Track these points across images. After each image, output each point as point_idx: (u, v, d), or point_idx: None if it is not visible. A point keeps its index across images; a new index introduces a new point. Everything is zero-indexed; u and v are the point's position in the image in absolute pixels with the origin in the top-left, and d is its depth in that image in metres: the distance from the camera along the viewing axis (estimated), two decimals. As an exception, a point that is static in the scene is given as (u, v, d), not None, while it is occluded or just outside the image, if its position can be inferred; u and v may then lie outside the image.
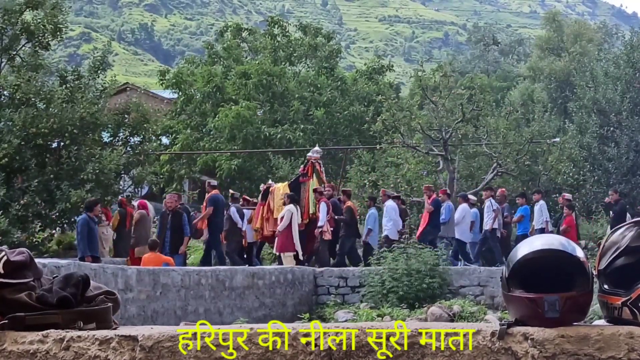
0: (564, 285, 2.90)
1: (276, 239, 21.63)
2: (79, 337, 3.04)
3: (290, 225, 21.18)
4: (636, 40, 33.70)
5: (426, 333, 2.91)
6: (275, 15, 47.97)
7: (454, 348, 2.88)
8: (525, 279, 2.94)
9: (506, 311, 17.22)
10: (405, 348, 2.91)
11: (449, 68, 42.88)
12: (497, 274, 20.03)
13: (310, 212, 22.55)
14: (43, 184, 23.28)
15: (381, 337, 2.92)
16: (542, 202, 23.25)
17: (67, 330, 3.07)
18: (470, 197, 24.42)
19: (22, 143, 23.26)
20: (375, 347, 2.92)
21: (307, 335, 2.95)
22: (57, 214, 23.32)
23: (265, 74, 38.27)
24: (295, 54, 41.83)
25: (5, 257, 3.14)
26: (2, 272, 3.11)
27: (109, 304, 3.20)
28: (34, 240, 22.36)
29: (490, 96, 39.12)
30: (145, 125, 27.11)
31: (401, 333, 2.91)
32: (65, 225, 24.66)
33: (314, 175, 23.20)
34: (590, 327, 2.88)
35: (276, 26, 42.50)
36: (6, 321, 3.07)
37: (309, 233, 22.29)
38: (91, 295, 3.18)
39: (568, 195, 24.21)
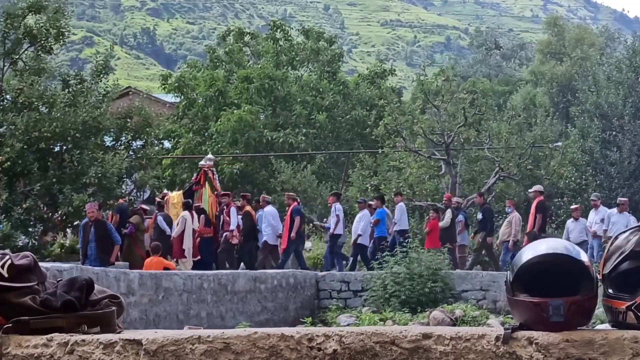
0: (569, 290, 2.90)
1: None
2: (83, 341, 3.04)
3: (184, 231, 21.15)
4: (638, 45, 33.68)
5: (430, 337, 2.91)
6: (277, 19, 47.95)
7: (458, 352, 2.88)
8: (530, 284, 2.94)
9: (508, 315, 17.28)
10: (410, 352, 2.91)
11: (451, 72, 42.80)
12: (499, 279, 20.02)
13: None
14: (45, 187, 23.30)
15: (386, 341, 2.92)
16: (401, 204, 23.41)
17: (71, 334, 3.07)
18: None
19: (25, 147, 23.28)
20: (380, 351, 2.92)
21: (311, 339, 2.95)
22: (60, 217, 23.34)
23: (267, 78, 38.27)
24: (297, 58, 41.82)
25: (9, 261, 3.14)
26: (7, 275, 3.11)
27: (113, 308, 3.19)
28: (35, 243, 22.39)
29: (492, 100, 39.17)
30: (147, 129, 27.13)
31: (406, 337, 2.91)
32: (67, 229, 24.68)
33: (207, 183, 23.39)
34: (595, 331, 2.88)
35: (278, 30, 42.51)
36: (10, 325, 3.07)
37: (216, 239, 22.61)
38: (95, 299, 3.18)
39: (457, 200, 24.33)
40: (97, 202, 20.67)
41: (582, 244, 20.84)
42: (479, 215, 23.63)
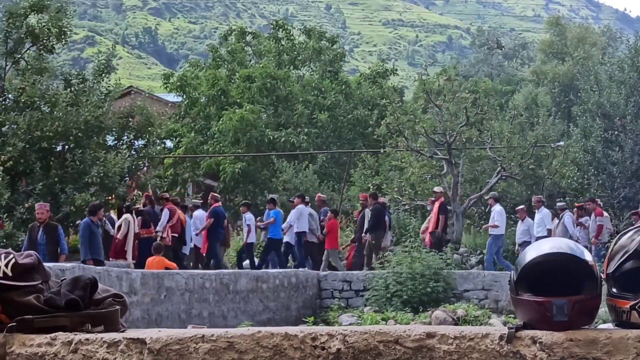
0: (573, 289, 2.90)
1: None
2: (87, 339, 3.04)
3: (127, 234, 21.20)
4: (640, 44, 33.68)
5: (434, 336, 2.91)
6: (279, 19, 47.93)
7: (462, 351, 2.88)
8: (534, 283, 2.94)
9: (510, 315, 17.29)
10: (413, 351, 2.91)
11: (452, 72, 42.79)
12: (501, 278, 20.03)
13: None
14: (48, 187, 23.32)
15: (390, 340, 2.92)
16: (301, 206, 23.36)
17: (75, 333, 3.07)
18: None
19: (27, 146, 23.30)
20: (384, 350, 2.92)
21: (315, 338, 2.96)
22: (62, 217, 23.34)
23: (269, 77, 38.28)
24: (299, 58, 41.83)
25: (13, 260, 3.15)
26: (11, 274, 3.11)
27: (117, 307, 3.20)
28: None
29: (494, 100, 39.11)
30: (149, 128, 27.13)
31: (409, 336, 2.91)
32: (69, 229, 24.67)
33: None
34: (599, 330, 2.88)
35: (280, 30, 42.51)
36: (14, 324, 3.08)
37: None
38: (99, 298, 3.18)
39: (382, 200, 24.36)
40: (47, 203, 19.14)
41: (523, 245, 21.21)
42: (368, 215, 23.53)
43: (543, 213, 22.58)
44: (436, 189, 24.00)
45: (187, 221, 22.54)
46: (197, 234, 22.60)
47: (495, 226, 22.48)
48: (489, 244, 22.96)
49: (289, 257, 23.73)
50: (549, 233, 21.75)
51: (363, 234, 22.93)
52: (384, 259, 21.24)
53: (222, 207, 22.70)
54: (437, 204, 22.79)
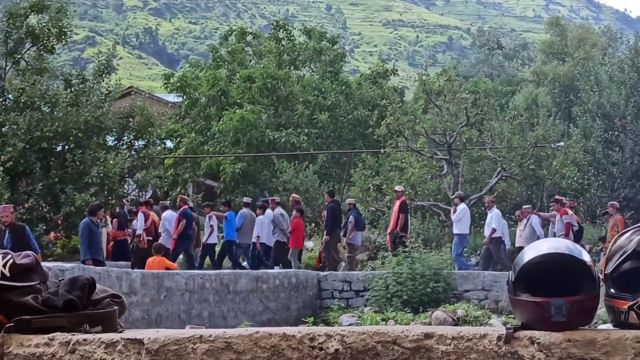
0: (571, 289, 2.90)
1: None
2: (85, 340, 3.04)
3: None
4: (641, 45, 33.67)
5: (432, 337, 2.91)
6: (279, 19, 47.92)
7: (460, 352, 2.88)
8: (532, 283, 2.93)
9: (510, 315, 17.28)
10: (411, 352, 2.91)
11: (453, 72, 42.81)
12: (502, 279, 20.02)
13: None
14: (48, 187, 23.32)
15: (388, 341, 2.91)
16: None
17: (73, 333, 3.07)
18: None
19: (27, 146, 23.29)
20: (382, 351, 2.92)
21: (313, 338, 2.95)
22: (62, 217, 23.35)
23: (269, 77, 38.28)
24: (299, 58, 41.83)
25: (11, 260, 3.14)
26: (9, 275, 3.11)
27: (115, 307, 3.20)
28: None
29: (495, 100, 39.09)
30: (149, 128, 27.13)
31: (407, 337, 2.91)
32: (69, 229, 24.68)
33: None
34: (597, 331, 2.88)
35: (281, 30, 42.51)
36: (12, 324, 3.07)
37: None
38: (97, 299, 3.18)
39: (349, 201, 24.35)
40: (12, 205, 18.72)
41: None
42: (325, 215, 23.53)
43: (494, 213, 22.79)
44: (397, 187, 23.84)
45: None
46: (174, 238, 22.63)
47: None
48: (455, 243, 22.97)
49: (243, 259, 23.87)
50: (491, 234, 22.27)
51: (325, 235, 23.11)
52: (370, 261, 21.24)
53: (190, 209, 22.82)
54: (397, 203, 22.71)
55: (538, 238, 19.33)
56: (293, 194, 25.74)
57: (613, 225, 21.78)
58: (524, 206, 24.43)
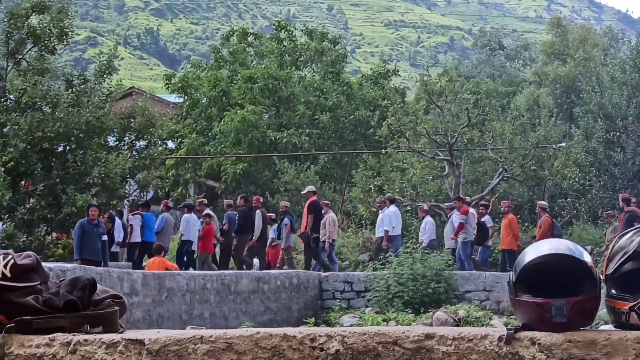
0: (572, 290, 2.90)
1: None
2: (86, 340, 3.04)
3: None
4: (642, 45, 33.64)
5: (433, 337, 2.91)
6: (281, 19, 47.91)
7: (461, 352, 2.88)
8: (533, 284, 2.94)
9: (512, 316, 17.28)
10: (412, 352, 2.91)
11: (454, 73, 42.78)
12: (503, 279, 20.01)
13: None
14: (49, 188, 23.31)
15: (388, 341, 2.91)
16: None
17: (74, 333, 3.07)
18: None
19: (28, 147, 23.29)
20: (382, 351, 2.92)
21: (314, 339, 2.95)
22: (63, 217, 23.35)
23: (271, 78, 38.28)
24: (301, 59, 41.83)
25: (12, 261, 3.14)
26: (9, 275, 3.11)
27: (116, 308, 3.20)
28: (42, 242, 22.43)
29: (496, 101, 39.14)
30: (150, 129, 27.13)
31: (408, 337, 2.91)
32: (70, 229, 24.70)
33: None
34: (598, 331, 2.88)
35: (282, 31, 42.52)
36: (13, 324, 3.07)
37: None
38: (98, 299, 3.18)
39: (284, 204, 24.57)
40: None
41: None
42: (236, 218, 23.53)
43: (384, 213, 22.98)
44: (308, 188, 23.72)
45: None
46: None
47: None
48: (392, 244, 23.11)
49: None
50: (387, 234, 22.69)
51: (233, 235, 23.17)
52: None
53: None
54: (307, 204, 22.64)
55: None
56: (256, 196, 25.54)
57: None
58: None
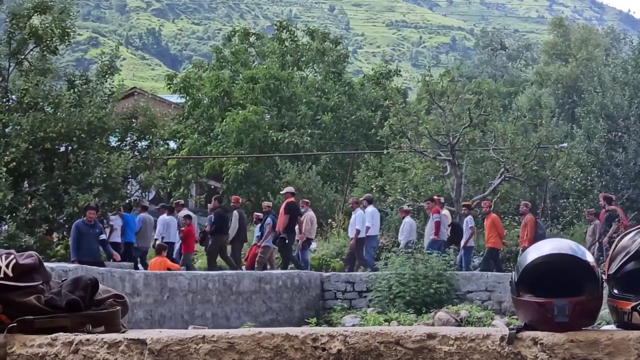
0: (574, 290, 2.90)
1: None
2: (88, 340, 3.04)
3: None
4: (644, 45, 33.62)
5: (435, 337, 2.91)
6: (282, 20, 47.94)
7: (463, 352, 2.88)
8: (535, 284, 2.93)
9: (513, 316, 17.28)
10: (414, 352, 2.91)
11: (456, 73, 42.82)
12: (504, 280, 20.00)
13: None
14: (51, 188, 23.31)
15: (390, 341, 2.91)
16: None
17: (76, 333, 3.07)
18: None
19: (30, 147, 23.29)
20: (384, 351, 2.91)
21: (316, 339, 2.95)
22: (65, 218, 23.35)
23: (272, 78, 38.30)
24: (302, 59, 41.85)
25: (14, 261, 3.14)
26: (11, 275, 3.11)
27: (118, 308, 3.20)
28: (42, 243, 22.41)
29: (498, 101, 39.08)
30: (152, 129, 27.11)
31: (410, 337, 2.91)
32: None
33: None
34: (600, 331, 2.88)
35: (284, 31, 42.53)
36: (15, 324, 3.07)
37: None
38: (100, 299, 3.18)
39: (266, 204, 24.55)
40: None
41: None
42: (212, 219, 23.53)
43: (357, 214, 23.02)
44: (287, 189, 23.81)
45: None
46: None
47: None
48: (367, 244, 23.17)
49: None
50: (357, 234, 22.68)
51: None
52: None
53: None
54: (284, 204, 22.72)
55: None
56: (234, 196, 25.51)
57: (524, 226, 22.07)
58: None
